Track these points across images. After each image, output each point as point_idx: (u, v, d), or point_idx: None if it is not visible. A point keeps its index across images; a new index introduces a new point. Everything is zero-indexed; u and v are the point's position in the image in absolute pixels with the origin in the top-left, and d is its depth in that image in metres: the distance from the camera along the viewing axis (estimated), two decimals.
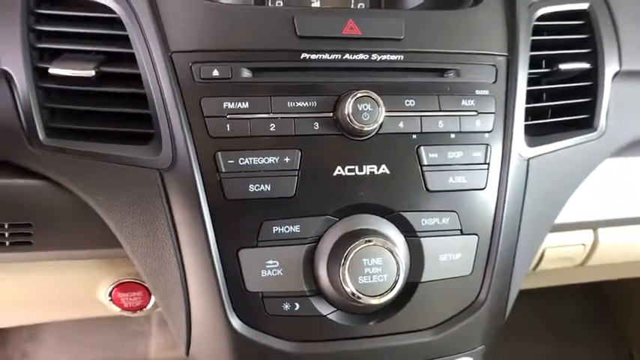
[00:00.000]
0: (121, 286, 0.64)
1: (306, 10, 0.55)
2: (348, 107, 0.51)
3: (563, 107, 0.64)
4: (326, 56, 0.54)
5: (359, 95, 0.51)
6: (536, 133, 0.61)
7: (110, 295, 0.64)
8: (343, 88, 0.53)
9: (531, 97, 0.61)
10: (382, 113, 0.51)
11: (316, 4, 0.73)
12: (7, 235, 0.57)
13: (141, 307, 0.65)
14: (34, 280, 0.65)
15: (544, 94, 0.64)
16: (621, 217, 0.72)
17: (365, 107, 0.51)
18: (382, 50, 0.55)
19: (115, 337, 1.32)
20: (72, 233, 0.59)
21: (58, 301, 0.71)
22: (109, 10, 0.54)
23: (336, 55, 0.54)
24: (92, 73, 0.53)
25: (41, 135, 0.53)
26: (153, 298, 0.66)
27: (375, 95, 0.51)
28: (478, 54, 0.58)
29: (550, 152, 0.61)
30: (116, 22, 0.54)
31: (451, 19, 0.58)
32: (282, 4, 0.72)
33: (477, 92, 0.57)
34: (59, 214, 0.57)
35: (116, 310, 0.65)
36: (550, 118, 0.64)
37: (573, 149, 0.63)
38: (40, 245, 0.58)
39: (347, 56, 0.54)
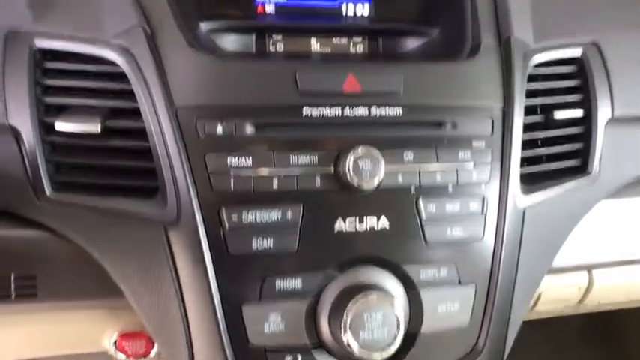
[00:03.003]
0: (126, 335, 0.65)
1: (307, 64, 0.56)
2: (349, 164, 0.52)
3: (557, 153, 0.66)
4: (327, 111, 0.55)
5: (360, 153, 0.52)
6: (530, 180, 0.62)
7: (115, 343, 0.65)
8: (343, 143, 0.54)
9: (525, 143, 0.62)
10: (382, 170, 0.53)
11: (316, 47, 0.75)
12: (12, 287, 0.58)
13: (145, 354, 0.66)
14: (37, 330, 0.66)
15: (538, 141, 0.66)
16: (616, 260, 0.73)
17: (365, 164, 0.52)
18: (381, 104, 0.56)
19: None
20: (77, 283, 0.60)
21: (62, 348, 0.72)
22: (114, 64, 0.55)
23: (337, 110, 0.56)
24: (98, 129, 0.54)
25: (47, 189, 0.54)
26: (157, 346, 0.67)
27: (375, 152, 0.53)
28: (475, 106, 0.59)
29: (545, 199, 0.62)
30: (121, 76, 0.55)
31: (449, 72, 0.60)
32: (282, 48, 0.73)
33: (474, 144, 0.58)
34: (64, 264, 0.58)
35: (121, 357, 0.66)
36: (544, 164, 0.65)
37: (567, 194, 0.65)
38: (45, 296, 0.59)
39: (347, 111, 0.56)
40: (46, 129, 0.55)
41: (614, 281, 0.76)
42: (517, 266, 0.61)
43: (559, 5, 0.70)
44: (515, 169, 0.60)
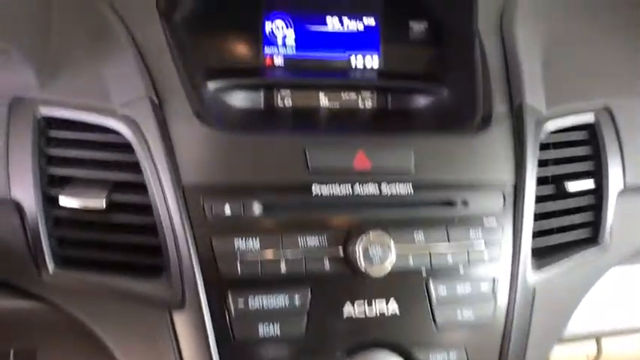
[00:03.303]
0: None
1: (317, 139, 0.55)
2: (359, 249, 0.51)
3: (568, 225, 0.64)
4: (337, 190, 0.54)
5: (370, 239, 0.51)
6: (540, 253, 0.61)
7: None
8: (353, 224, 0.53)
9: (536, 215, 0.61)
10: (393, 256, 0.52)
11: (325, 102, 0.74)
12: None
13: None
14: None
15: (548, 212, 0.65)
16: (624, 328, 0.72)
17: (376, 251, 0.51)
18: (392, 181, 0.55)
19: None
20: (77, 356, 0.58)
21: None
22: (120, 135, 0.54)
23: (347, 189, 0.54)
24: (103, 204, 0.53)
25: (50, 265, 0.53)
26: None
27: (386, 238, 0.52)
28: (486, 182, 0.58)
29: (555, 273, 0.61)
30: (127, 147, 0.54)
31: (460, 147, 0.58)
32: (290, 103, 0.72)
33: (485, 221, 0.57)
34: (65, 338, 0.57)
35: None
36: (555, 235, 0.64)
37: (577, 264, 0.63)
38: None
39: (357, 189, 0.55)
40: (49, 202, 0.54)
41: (623, 350, 0.75)
42: (527, 340, 0.60)
43: (570, 68, 0.69)
44: (526, 245, 0.59)
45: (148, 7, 0.61)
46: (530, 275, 0.59)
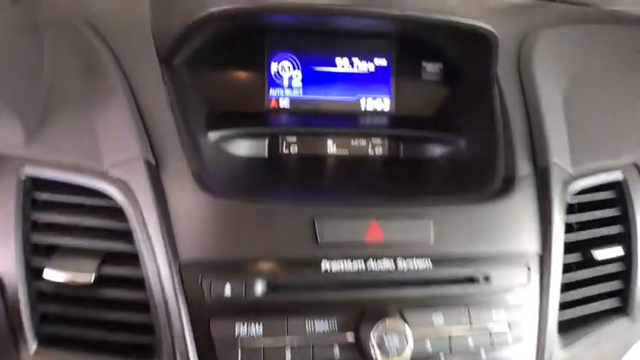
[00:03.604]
0: None
1: (326, 210, 0.50)
2: (373, 338, 0.46)
3: (595, 294, 0.60)
4: (348, 266, 0.49)
5: (386, 327, 0.46)
6: (564, 326, 0.57)
7: None
8: (367, 306, 0.49)
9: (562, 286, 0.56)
10: (410, 344, 0.47)
11: (333, 150, 0.69)
12: None
13: None
14: None
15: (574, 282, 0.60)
16: None
17: (392, 341, 0.46)
18: (408, 256, 0.50)
19: None
20: None
21: None
22: (111, 200, 0.49)
23: (359, 264, 0.50)
24: (91, 279, 0.48)
25: (31, 344, 0.48)
26: None
27: (403, 326, 0.47)
28: (510, 254, 0.53)
29: (582, 350, 0.57)
30: (119, 214, 0.49)
31: (482, 214, 0.54)
32: (296, 150, 0.68)
33: (509, 299, 0.52)
34: None
35: None
36: (581, 306, 0.59)
37: (605, 338, 0.59)
38: None
39: (371, 264, 0.50)
40: (32, 274, 0.49)
41: None
42: None
43: (595, 123, 0.64)
44: (552, 322, 0.54)
45: (147, 53, 0.56)
46: (557, 353, 0.54)
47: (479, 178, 0.59)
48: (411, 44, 0.70)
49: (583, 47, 0.71)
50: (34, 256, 0.49)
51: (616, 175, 0.62)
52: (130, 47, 0.56)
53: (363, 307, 0.48)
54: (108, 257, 0.49)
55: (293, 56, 0.69)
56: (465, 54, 0.67)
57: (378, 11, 0.53)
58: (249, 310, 0.47)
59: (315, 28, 0.66)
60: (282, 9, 0.54)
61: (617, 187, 0.62)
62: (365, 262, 0.50)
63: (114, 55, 0.55)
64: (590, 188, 0.60)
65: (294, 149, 0.67)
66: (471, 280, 0.52)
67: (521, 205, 0.55)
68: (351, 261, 0.49)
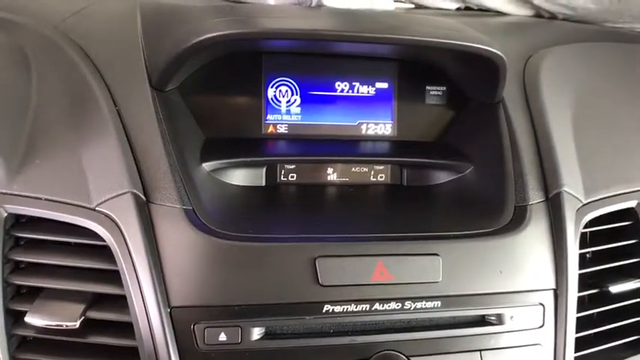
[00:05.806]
0: None
1: (329, 248, 0.47)
2: None
3: (610, 329, 0.57)
4: (352, 308, 0.46)
5: None
6: None
7: None
8: (372, 351, 0.45)
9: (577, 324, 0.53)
10: None
11: (333, 178, 0.66)
12: None
13: None
14: None
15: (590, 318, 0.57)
16: None
17: None
18: (417, 299, 0.47)
19: None
20: None
21: None
22: (98, 238, 0.46)
23: (364, 306, 0.46)
24: (77, 324, 0.45)
25: None
26: None
27: None
28: (523, 292, 0.50)
29: None
30: (107, 252, 0.46)
31: (493, 250, 0.50)
32: (295, 178, 0.65)
33: (522, 341, 0.49)
34: None
35: None
36: (597, 345, 0.56)
37: None
38: None
39: (376, 306, 0.47)
40: (12, 319, 0.46)
41: None
42: None
43: (605, 146, 0.61)
44: None
45: (138, 79, 0.53)
46: None
47: (488, 209, 0.56)
48: (413, 67, 0.68)
49: (589, 66, 0.69)
50: (16, 301, 0.46)
51: (630, 202, 0.59)
52: (121, 73, 0.54)
53: (369, 353, 0.45)
54: (95, 300, 0.46)
55: (291, 80, 0.67)
56: (471, 77, 0.65)
57: (381, 37, 0.50)
58: (246, 357, 0.44)
59: (313, 51, 0.64)
60: (274, 35, 0.51)
61: (629, 215, 0.59)
62: (371, 306, 0.46)
63: (104, 81, 0.53)
64: (602, 217, 0.58)
65: (292, 177, 0.64)
66: (484, 321, 0.49)
67: (534, 237, 0.52)
68: (356, 304, 0.46)
